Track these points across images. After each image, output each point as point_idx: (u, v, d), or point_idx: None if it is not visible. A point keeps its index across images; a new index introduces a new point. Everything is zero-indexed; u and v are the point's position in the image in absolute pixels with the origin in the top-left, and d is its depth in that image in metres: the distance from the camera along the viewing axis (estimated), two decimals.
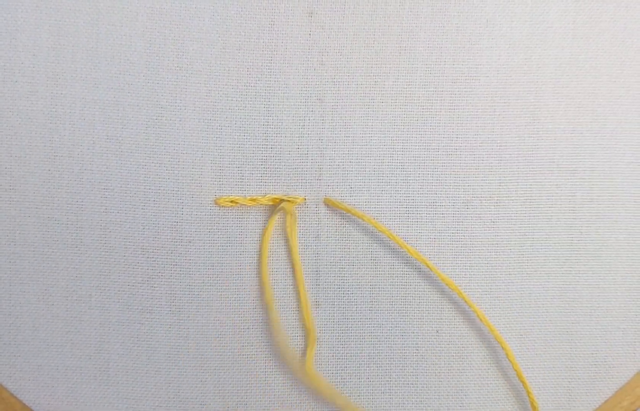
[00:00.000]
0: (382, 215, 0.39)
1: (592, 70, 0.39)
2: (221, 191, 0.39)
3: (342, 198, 0.39)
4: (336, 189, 0.39)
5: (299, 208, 0.39)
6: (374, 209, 0.39)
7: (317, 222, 0.39)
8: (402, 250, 0.39)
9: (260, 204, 0.39)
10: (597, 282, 0.40)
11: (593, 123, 0.40)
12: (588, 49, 0.39)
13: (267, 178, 0.39)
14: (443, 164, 0.39)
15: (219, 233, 0.39)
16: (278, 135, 0.39)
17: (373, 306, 0.40)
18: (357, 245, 0.39)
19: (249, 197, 0.39)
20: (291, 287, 0.39)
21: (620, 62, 0.40)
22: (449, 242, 0.40)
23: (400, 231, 0.40)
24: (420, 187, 0.39)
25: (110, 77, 0.38)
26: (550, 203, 0.40)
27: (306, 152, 0.39)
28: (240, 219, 0.39)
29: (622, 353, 0.40)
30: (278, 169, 0.39)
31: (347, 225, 0.39)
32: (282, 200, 0.38)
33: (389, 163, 0.39)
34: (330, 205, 0.38)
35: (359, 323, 0.39)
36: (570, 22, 0.39)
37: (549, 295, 0.40)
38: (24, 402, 0.38)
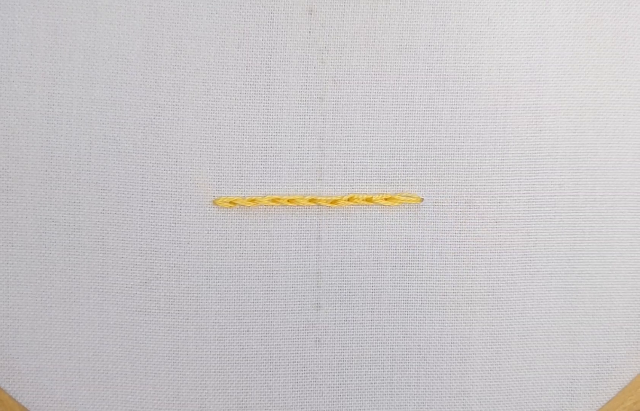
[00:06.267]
0: (384, 214, 0.39)
1: (593, 69, 0.40)
2: (220, 191, 0.39)
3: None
4: (337, 189, 0.39)
5: (298, 209, 0.39)
6: (376, 209, 0.39)
7: (318, 223, 0.39)
8: (402, 250, 0.39)
9: (260, 205, 0.39)
10: (600, 282, 0.40)
11: (595, 122, 0.40)
12: (589, 47, 0.39)
13: (267, 178, 0.39)
14: (445, 163, 0.39)
15: (218, 234, 0.39)
16: (278, 134, 0.39)
17: (375, 307, 0.40)
18: (358, 246, 0.39)
19: (248, 198, 0.39)
20: (292, 287, 0.39)
21: (621, 61, 0.40)
22: (451, 242, 0.39)
23: (402, 231, 0.39)
24: (422, 186, 0.39)
25: (107, 76, 0.38)
26: (553, 203, 0.40)
27: (306, 152, 0.39)
28: (240, 220, 0.39)
29: (625, 353, 0.40)
30: (278, 169, 0.39)
31: (348, 226, 0.39)
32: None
33: (390, 163, 0.39)
34: None
35: (361, 324, 0.39)
36: (571, 21, 0.39)
37: (552, 295, 0.40)
38: (23, 405, 0.38)
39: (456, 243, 0.40)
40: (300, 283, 0.39)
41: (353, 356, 0.40)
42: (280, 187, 0.39)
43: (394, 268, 0.40)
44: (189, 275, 0.39)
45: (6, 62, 0.37)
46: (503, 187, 0.39)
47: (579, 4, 0.39)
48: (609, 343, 0.40)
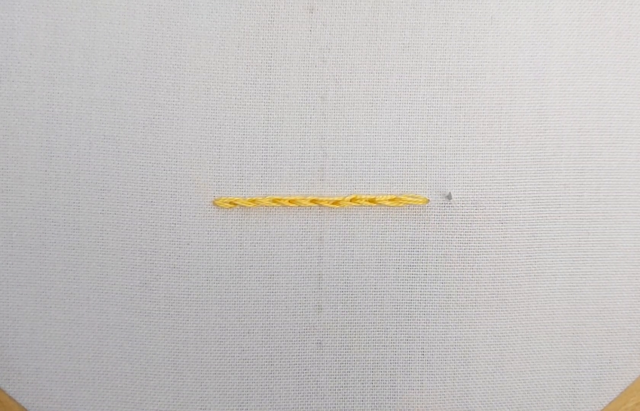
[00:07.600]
0: (387, 216, 0.39)
1: (597, 68, 0.39)
2: (220, 192, 0.39)
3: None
4: (339, 189, 0.39)
5: (300, 210, 0.39)
6: (379, 210, 0.39)
7: (320, 224, 0.39)
8: (406, 252, 0.39)
9: (261, 205, 0.39)
10: (604, 283, 0.40)
11: (599, 121, 0.40)
12: (593, 46, 0.39)
13: (267, 178, 0.39)
14: (450, 163, 0.39)
15: (218, 235, 0.39)
16: (279, 134, 0.39)
17: (377, 310, 0.39)
18: (361, 247, 0.39)
19: (248, 198, 0.39)
20: (293, 289, 0.39)
21: (625, 59, 0.40)
22: (456, 243, 0.39)
23: (407, 232, 0.39)
24: (427, 187, 0.39)
25: (107, 75, 0.38)
26: (558, 203, 0.39)
27: (308, 151, 0.39)
28: (240, 221, 0.39)
29: (627, 354, 0.40)
30: (279, 169, 0.39)
31: (350, 227, 0.39)
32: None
33: (394, 163, 0.39)
34: None
35: (363, 327, 0.39)
36: (575, 19, 0.39)
37: (556, 296, 0.40)
38: (22, 405, 0.38)
39: (461, 244, 0.39)
40: (302, 284, 0.39)
41: (355, 359, 0.39)
42: (281, 187, 0.39)
43: (397, 270, 0.39)
44: (189, 276, 0.39)
45: (6, 62, 0.37)
46: (508, 187, 0.39)
47: (582, 2, 0.39)
48: (612, 344, 0.40)
